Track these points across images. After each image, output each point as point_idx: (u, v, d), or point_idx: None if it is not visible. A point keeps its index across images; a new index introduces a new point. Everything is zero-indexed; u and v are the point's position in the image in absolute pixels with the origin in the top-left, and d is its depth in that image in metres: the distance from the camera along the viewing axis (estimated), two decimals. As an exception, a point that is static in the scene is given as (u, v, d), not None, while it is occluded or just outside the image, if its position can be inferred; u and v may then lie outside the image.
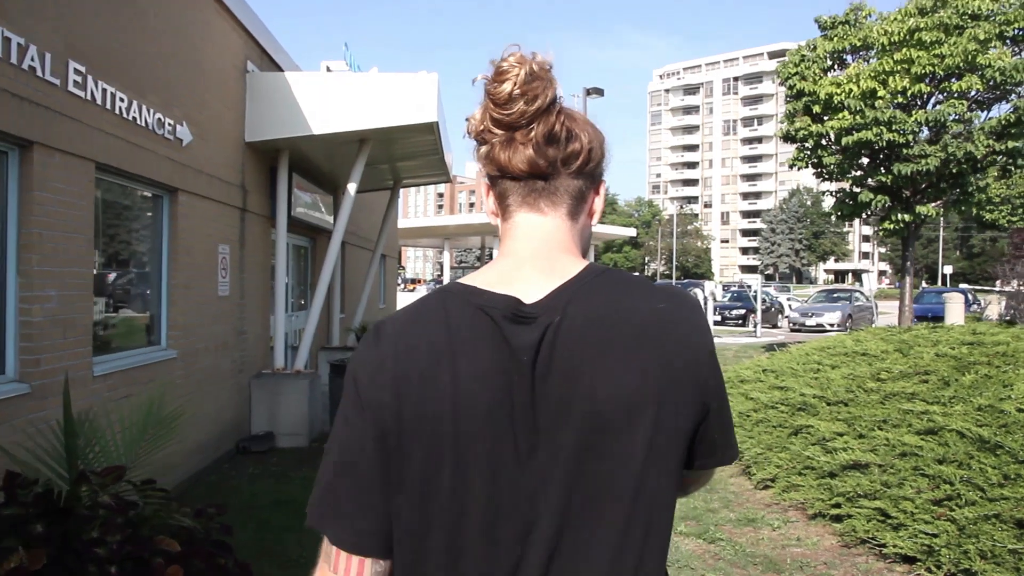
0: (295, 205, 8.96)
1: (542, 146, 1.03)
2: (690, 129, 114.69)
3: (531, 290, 1.01)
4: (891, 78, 10.57)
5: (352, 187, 8.34)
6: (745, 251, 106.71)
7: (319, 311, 8.40)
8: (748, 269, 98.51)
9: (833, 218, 12.96)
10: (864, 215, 12.27)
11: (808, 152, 12.01)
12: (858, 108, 10.61)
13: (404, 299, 26.46)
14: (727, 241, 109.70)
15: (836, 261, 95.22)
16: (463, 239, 34.19)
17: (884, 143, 10.90)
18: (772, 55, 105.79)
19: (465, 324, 0.99)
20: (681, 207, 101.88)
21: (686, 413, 1.00)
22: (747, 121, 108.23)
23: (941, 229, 59.82)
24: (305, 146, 8.23)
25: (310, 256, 11.11)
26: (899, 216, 11.22)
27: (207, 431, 6.71)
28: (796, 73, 11.66)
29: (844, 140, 11.00)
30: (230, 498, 5.78)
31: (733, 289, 31.75)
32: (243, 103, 7.52)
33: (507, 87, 1.01)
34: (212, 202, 6.71)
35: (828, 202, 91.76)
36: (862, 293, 27.34)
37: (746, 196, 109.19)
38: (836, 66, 12.00)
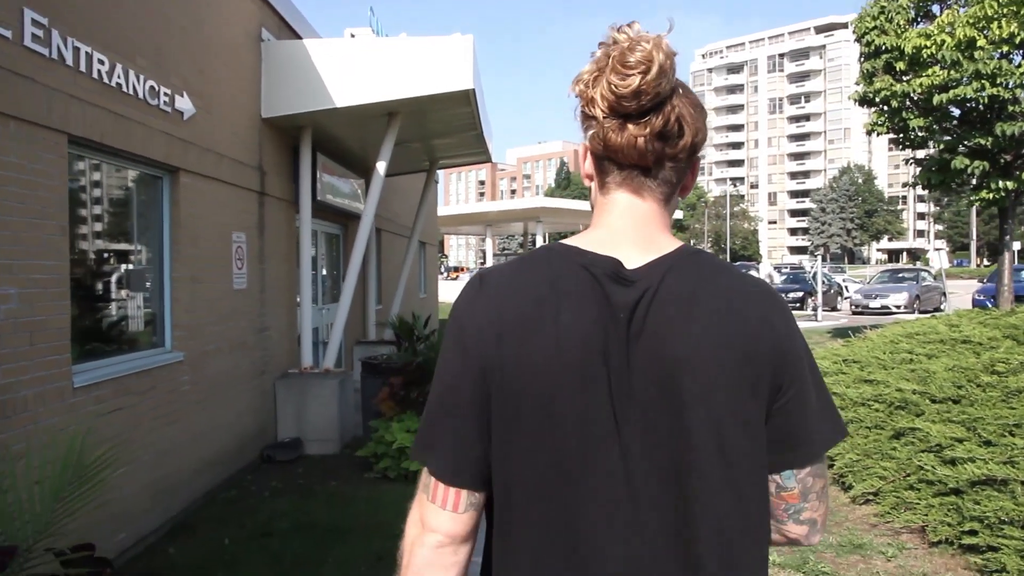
0: (324, 190, 8.20)
1: (654, 142, 1.02)
2: (734, 108, 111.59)
3: (629, 259, 1.04)
4: (994, 23, 9.26)
5: (382, 166, 7.53)
6: (794, 231, 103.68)
7: (349, 303, 7.63)
8: (797, 250, 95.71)
9: (920, 188, 11.62)
10: (955, 184, 10.96)
11: (887, 115, 10.76)
12: (954, 60, 9.30)
13: (446, 288, 25.68)
14: (775, 222, 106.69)
15: (890, 240, 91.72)
16: (505, 225, 33.63)
17: (985, 100, 9.63)
18: (819, 30, 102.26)
19: (568, 279, 1.02)
20: (735, 185, 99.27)
21: (762, 388, 1.00)
22: (794, 99, 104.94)
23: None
24: (329, 122, 7.44)
25: (342, 244, 10.36)
26: (999, 184, 9.92)
27: (224, 441, 5.99)
28: (874, 27, 10.36)
29: (936, 98, 9.70)
30: (245, 520, 5.06)
31: (788, 271, 30.32)
32: (258, 75, 6.75)
33: (634, 82, 0.98)
34: (223, 184, 5.97)
35: (883, 177, 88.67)
36: (929, 272, 25.83)
37: (794, 176, 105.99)
38: (920, 18, 10.68)
